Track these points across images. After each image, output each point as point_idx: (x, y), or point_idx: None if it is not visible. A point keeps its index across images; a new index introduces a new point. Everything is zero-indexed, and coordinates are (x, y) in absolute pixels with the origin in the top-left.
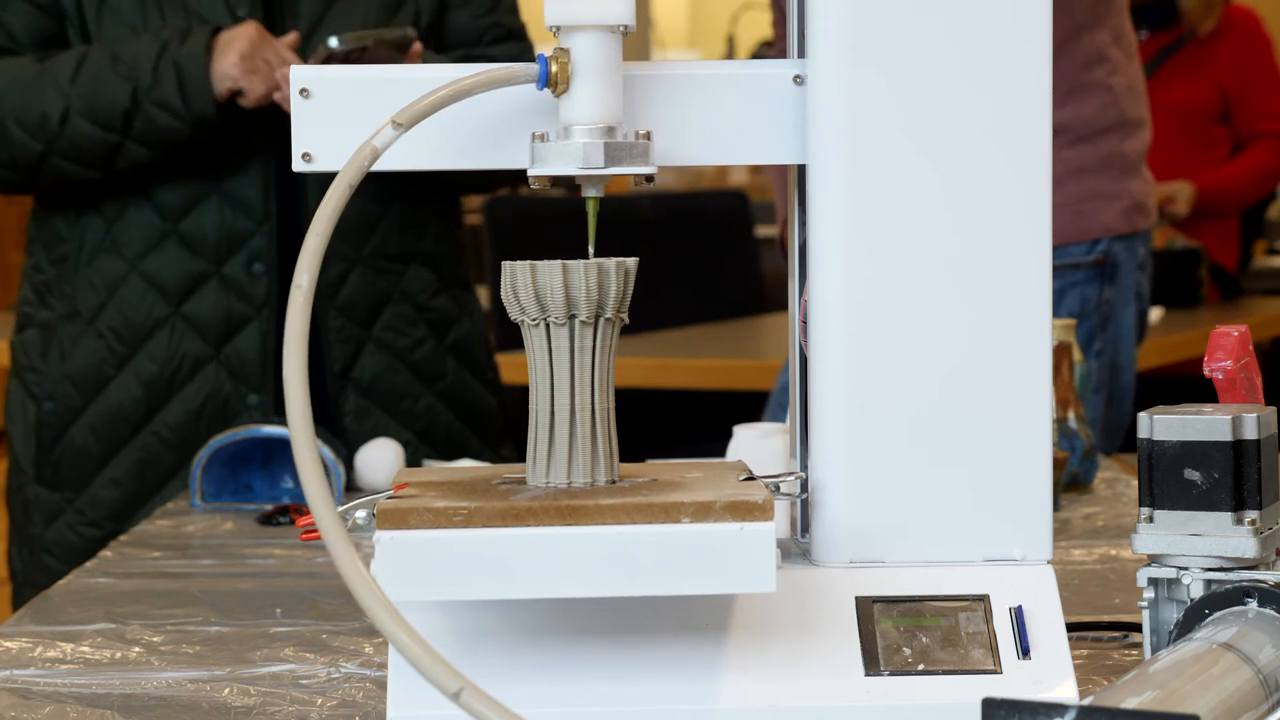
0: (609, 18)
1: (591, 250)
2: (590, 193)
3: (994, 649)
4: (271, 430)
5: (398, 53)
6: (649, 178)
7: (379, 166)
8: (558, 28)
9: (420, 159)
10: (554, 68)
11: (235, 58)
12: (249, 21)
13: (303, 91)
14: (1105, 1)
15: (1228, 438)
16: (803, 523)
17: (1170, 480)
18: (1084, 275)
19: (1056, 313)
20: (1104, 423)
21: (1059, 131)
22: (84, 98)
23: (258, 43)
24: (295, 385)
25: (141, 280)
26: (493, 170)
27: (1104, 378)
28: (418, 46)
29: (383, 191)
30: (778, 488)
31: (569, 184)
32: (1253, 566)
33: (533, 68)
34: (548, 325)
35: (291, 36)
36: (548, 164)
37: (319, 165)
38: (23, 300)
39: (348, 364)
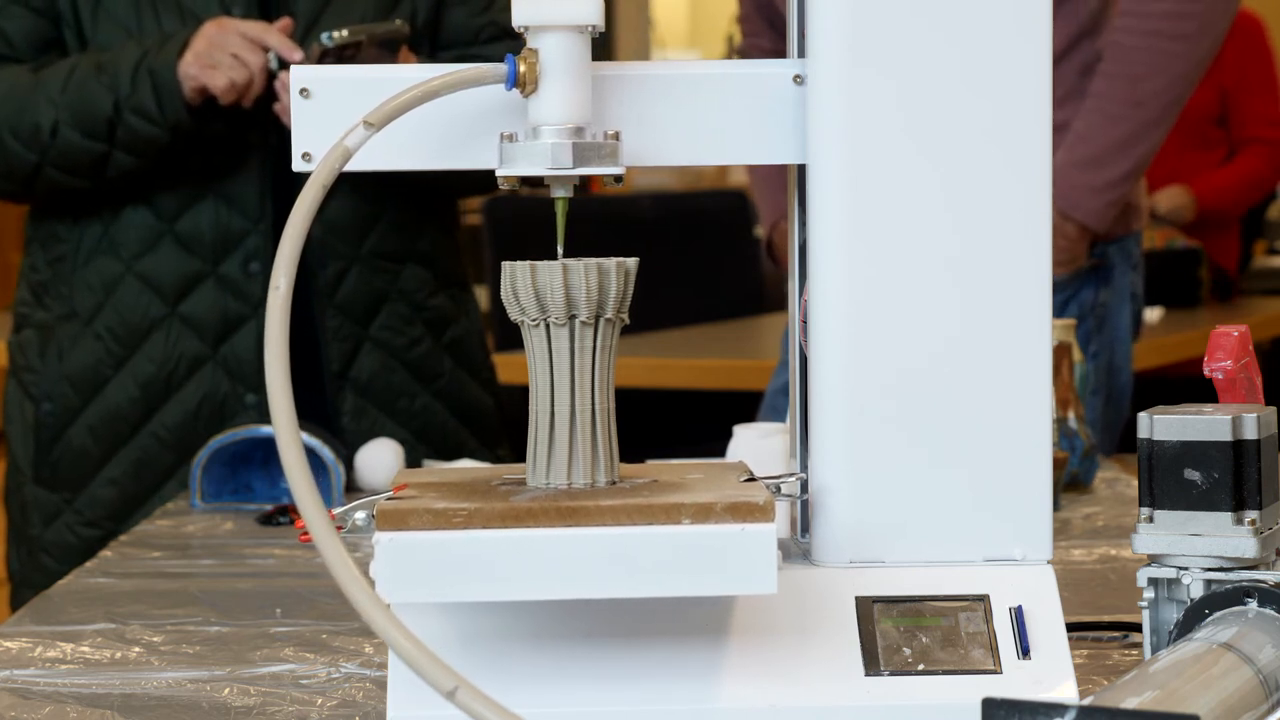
0: (576, 18)
1: (560, 251)
2: (559, 193)
3: (994, 649)
4: (271, 430)
5: (391, 49)
6: (617, 178)
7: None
8: (525, 28)
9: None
10: (522, 68)
11: (191, 56)
12: (215, 18)
13: (303, 91)
14: (1105, 8)
15: (1228, 438)
16: (803, 523)
17: (1170, 480)
18: (1080, 279)
19: (1054, 316)
20: (1102, 423)
21: (1054, 132)
22: (71, 108)
23: (214, 36)
24: (279, 388)
25: (138, 281)
26: (492, 172)
27: (1101, 379)
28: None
29: (380, 191)
30: (778, 488)
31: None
32: (1253, 566)
33: (501, 68)
34: (548, 325)
35: (282, 22)
36: (516, 164)
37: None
38: (20, 301)
39: (345, 363)
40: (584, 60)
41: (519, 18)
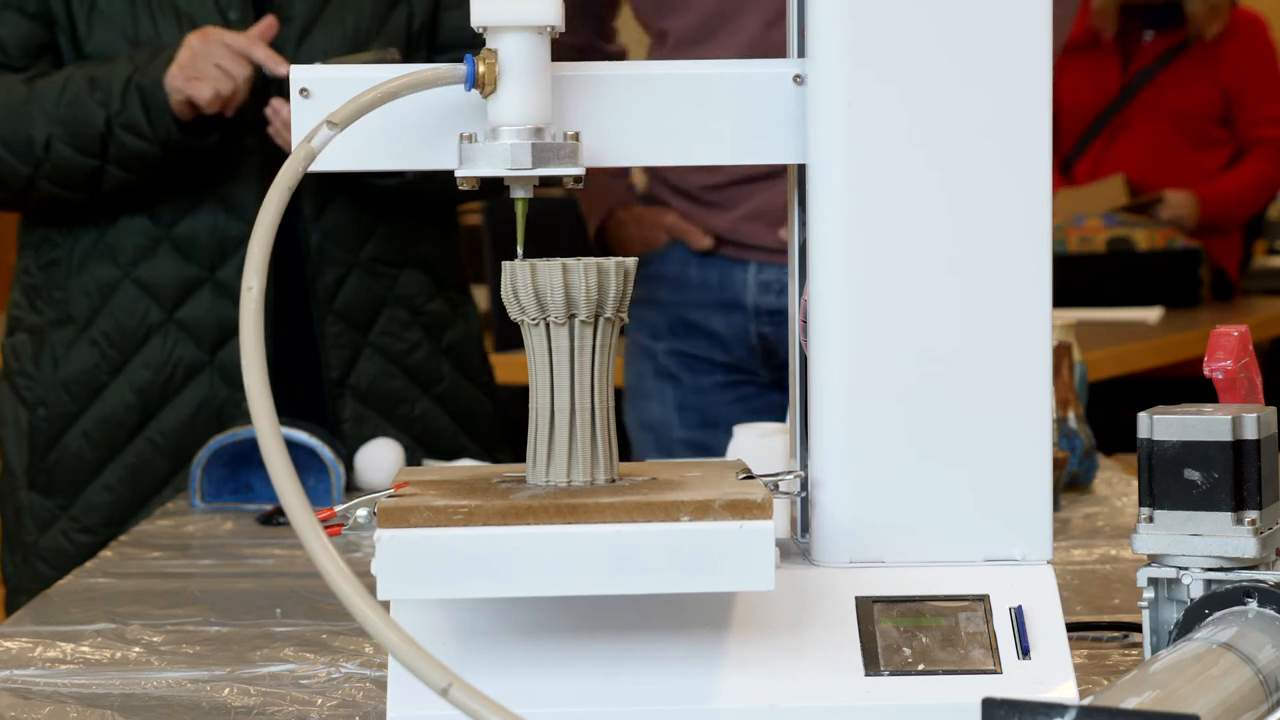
0: (535, 18)
1: (520, 252)
2: (518, 194)
3: (994, 649)
4: None
5: None
6: (578, 179)
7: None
8: (484, 28)
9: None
10: (481, 69)
11: (175, 69)
12: (200, 29)
13: (302, 91)
14: None
15: (1228, 438)
16: (803, 522)
17: (1170, 480)
18: None
19: None
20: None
21: None
22: (64, 122)
23: (198, 47)
24: (257, 390)
25: (135, 286)
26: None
27: None
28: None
29: (379, 197)
30: (777, 486)
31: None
32: (1253, 566)
33: (460, 69)
34: (547, 325)
35: (265, 22)
36: (475, 165)
37: (316, 166)
38: (13, 304)
39: (345, 370)
40: (543, 60)
41: (477, 18)
